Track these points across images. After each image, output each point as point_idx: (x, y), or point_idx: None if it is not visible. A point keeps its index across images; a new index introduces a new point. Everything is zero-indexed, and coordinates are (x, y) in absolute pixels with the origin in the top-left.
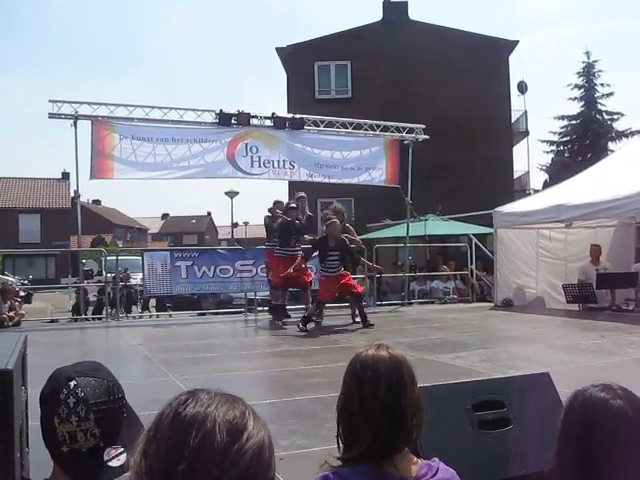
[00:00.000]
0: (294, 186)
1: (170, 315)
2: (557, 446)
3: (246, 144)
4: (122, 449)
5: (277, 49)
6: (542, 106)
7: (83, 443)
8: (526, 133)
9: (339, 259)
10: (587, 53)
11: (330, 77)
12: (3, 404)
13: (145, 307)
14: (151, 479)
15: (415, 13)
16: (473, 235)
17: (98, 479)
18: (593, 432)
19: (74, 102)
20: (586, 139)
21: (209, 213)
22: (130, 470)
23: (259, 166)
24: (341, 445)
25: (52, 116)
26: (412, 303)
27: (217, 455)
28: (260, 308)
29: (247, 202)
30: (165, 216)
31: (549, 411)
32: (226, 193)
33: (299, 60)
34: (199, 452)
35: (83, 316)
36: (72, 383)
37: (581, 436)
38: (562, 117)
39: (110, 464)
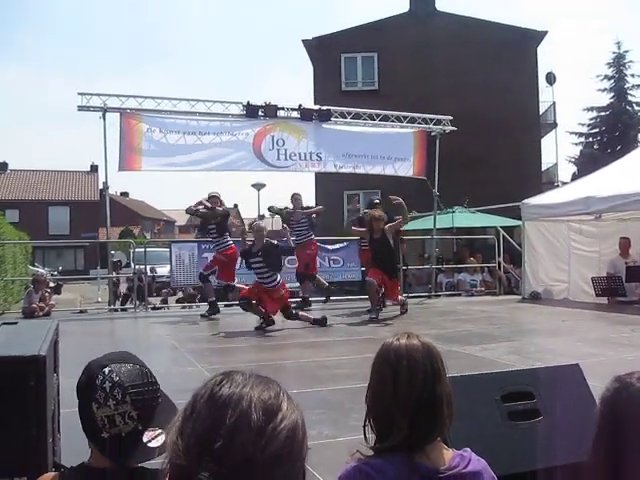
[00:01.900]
0: (321, 177)
1: (198, 306)
2: (594, 439)
3: (272, 136)
4: (160, 430)
5: (304, 41)
6: (571, 97)
7: (122, 427)
8: (554, 125)
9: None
10: (618, 44)
11: (357, 69)
12: (35, 389)
13: (165, 301)
14: (188, 457)
15: (442, 4)
16: (501, 227)
17: (139, 461)
18: (636, 427)
19: (103, 94)
20: (615, 131)
21: (236, 205)
22: (167, 449)
23: (285, 159)
24: (369, 435)
25: (81, 109)
26: (439, 295)
27: (252, 434)
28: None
29: (274, 194)
30: None
31: (579, 403)
32: (253, 185)
33: (326, 52)
34: (235, 431)
35: (112, 307)
36: (107, 369)
37: (621, 431)
38: (591, 108)
39: (150, 445)
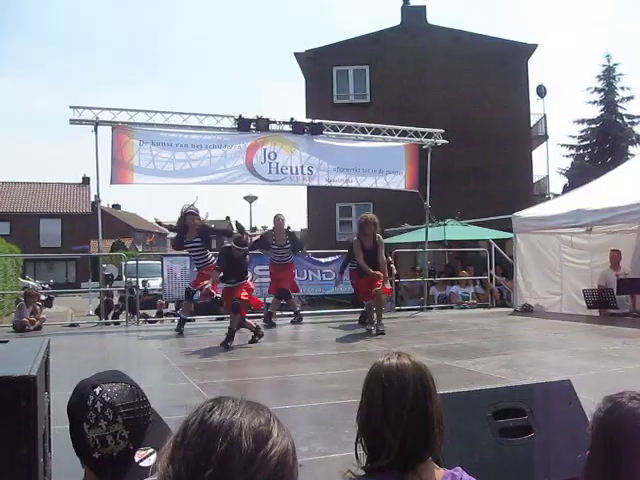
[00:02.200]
0: (313, 190)
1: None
2: (588, 458)
3: (264, 150)
4: (152, 450)
5: (296, 54)
6: (561, 110)
7: (114, 447)
8: (545, 137)
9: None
10: (607, 56)
11: (348, 82)
12: (26, 410)
13: (160, 314)
14: None
15: (433, 17)
16: (492, 240)
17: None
18: (629, 446)
19: (95, 108)
20: (606, 143)
21: (228, 217)
22: (157, 476)
23: (277, 172)
24: (359, 452)
25: (73, 122)
26: (431, 308)
27: (243, 461)
28: (279, 313)
29: (266, 206)
30: None
31: (571, 419)
32: (245, 198)
33: (317, 65)
34: (226, 458)
35: (104, 320)
36: (97, 389)
37: (615, 449)
38: (582, 121)
39: (141, 465)
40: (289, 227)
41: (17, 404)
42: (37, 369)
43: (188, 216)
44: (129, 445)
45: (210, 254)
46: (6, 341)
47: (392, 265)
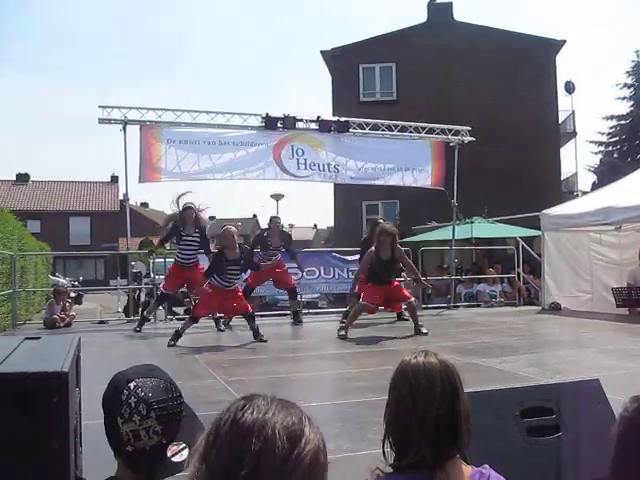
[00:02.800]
0: (340, 188)
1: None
2: (614, 459)
3: (292, 146)
4: (184, 445)
5: (322, 52)
6: (590, 106)
7: (146, 441)
8: (574, 134)
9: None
10: (637, 52)
11: (375, 79)
12: (58, 405)
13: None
14: None
15: (460, 14)
16: (520, 238)
17: (163, 475)
18: None
19: (123, 107)
20: (636, 139)
21: (255, 215)
22: (189, 473)
23: (305, 168)
24: (387, 450)
25: (102, 121)
26: (458, 306)
27: (278, 462)
28: (306, 311)
29: (292, 204)
30: (212, 219)
31: (599, 419)
32: (272, 196)
33: (344, 63)
34: (260, 459)
35: (132, 317)
36: (132, 384)
37: None
38: (611, 117)
39: (173, 459)
40: (283, 226)
41: (49, 399)
42: (69, 365)
43: (187, 211)
44: (162, 440)
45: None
46: (38, 338)
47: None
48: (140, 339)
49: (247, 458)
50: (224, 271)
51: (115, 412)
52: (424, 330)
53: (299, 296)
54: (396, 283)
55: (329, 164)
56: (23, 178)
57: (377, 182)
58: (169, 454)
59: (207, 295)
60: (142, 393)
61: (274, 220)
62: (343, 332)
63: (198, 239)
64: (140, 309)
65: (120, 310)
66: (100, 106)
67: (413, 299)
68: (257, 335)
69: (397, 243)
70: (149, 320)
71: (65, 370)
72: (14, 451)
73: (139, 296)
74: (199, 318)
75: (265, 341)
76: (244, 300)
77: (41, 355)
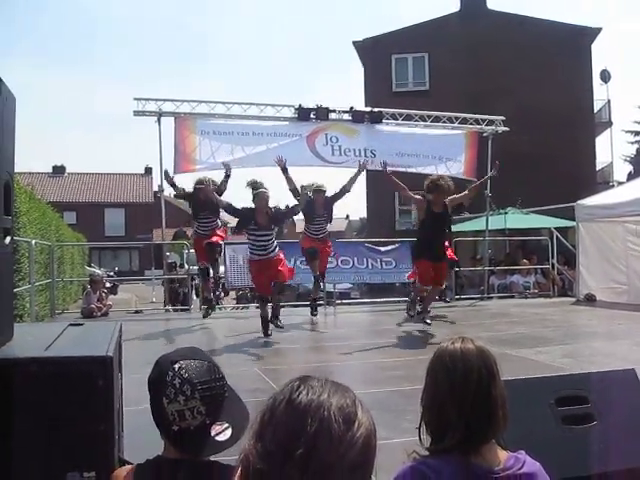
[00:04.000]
0: (372, 178)
1: (248, 307)
2: None
3: (326, 134)
4: (227, 425)
5: (354, 42)
6: (626, 95)
7: (191, 421)
8: (609, 123)
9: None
10: None
11: (407, 69)
12: (104, 388)
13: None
14: (269, 462)
15: (494, 2)
16: (554, 228)
17: (207, 453)
18: None
19: (158, 100)
20: None
21: (287, 206)
22: (243, 450)
23: (340, 155)
24: (423, 437)
25: (137, 113)
26: (492, 297)
27: (334, 442)
28: (339, 301)
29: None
30: None
31: (634, 408)
32: (303, 187)
33: (376, 53)
34: (316, 439)
35: (169, 307)
36: (176, 366)
37: None
38: None
39: (217, 439)
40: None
41: (95, 383)
42: (113, 350)
43: (197, 190)
44: (205, 420)
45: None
46: (81, 324)
47: None
48: (176, 328)
49: (303, 437)
50: (255, 240)
51: (160, 393)
52: (428, 320)
53: (332, 285)
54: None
55: (365, 149)
56: (59, 170)
57: (412, 170)
58: (213, 433)
59: (253, 274)
60: (186, 374)
61: (320, 188)
62: (428, 320)
63: (211, 216)
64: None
65: (154, 300)
66: (135, 98)
67: (445, 284)
68: (275, 319)
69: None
70: (211, 300)
71: (110, 354)
72: (63, 432)
73: (177, 289)
74: (265, 296)
75: (282, 327)
76: (285, 268)
77: (86, 340)
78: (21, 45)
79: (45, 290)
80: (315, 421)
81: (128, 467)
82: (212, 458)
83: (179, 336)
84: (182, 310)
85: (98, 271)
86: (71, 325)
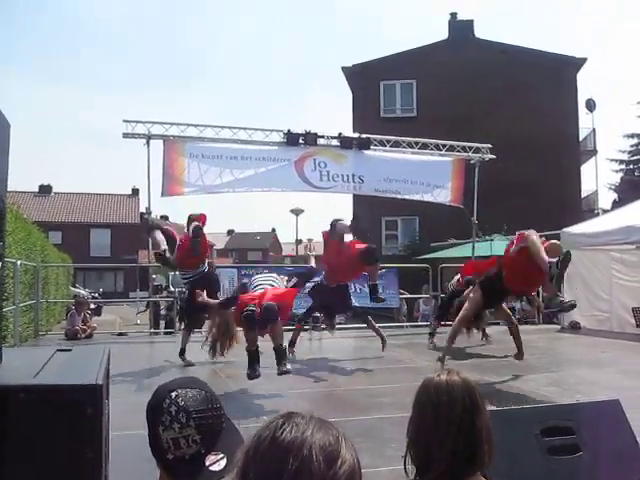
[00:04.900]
0: (359, 203)
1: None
2: None
3: (314, 159)
4: (222, 455)
5: (343, 68)
6: (610, 124)
7: (186, 449)
8: (594, 152)
9: None
10: None
11: (395, 96)
12: (93, 416)
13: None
14: None
15: (481, 31)
16: None
17: None
18: None
19: (147, 122)
20: None
21: (273, 229)
22: None
23: (328, 180)
24: (408, 467)
25: (126, 136)
26: None
27: None
28: (324, 326)
29: (310, 219)
30: (230, 232)
31: (619, 439)
32: (291, 211)
33: (365, 79)
34: (297, 478)
35: (153, 330)
36: (173, 394)
37: None
38: (632, 135)
39: (211, 468)
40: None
41: (84, 410)
42: (102, 378)
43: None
44: (201, 449)
45: None
46: (70, 349)
47: None
48: (161, 351)
49: (285, 476)
50: None
51: (157, 420)
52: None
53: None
54: None
55: (353, 175)
56: (46, 189)
57: (400, 196)
58: (207, 463)
59: None
60: (182, 402)
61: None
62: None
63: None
64: (164, 322)
65: (139, 322)
66: (124, 120)
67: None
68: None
69: None
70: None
71: (100, 382)
72: (51, 459)
73: (158, 310)
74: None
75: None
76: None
77: (74, 367)
78: (5, 63)
79: (29, 311)
80: (297, 460)
81: None
82: None
83: (161, 359)
84: (166, 333)
85: (83, 292)
86: (59, 350)
